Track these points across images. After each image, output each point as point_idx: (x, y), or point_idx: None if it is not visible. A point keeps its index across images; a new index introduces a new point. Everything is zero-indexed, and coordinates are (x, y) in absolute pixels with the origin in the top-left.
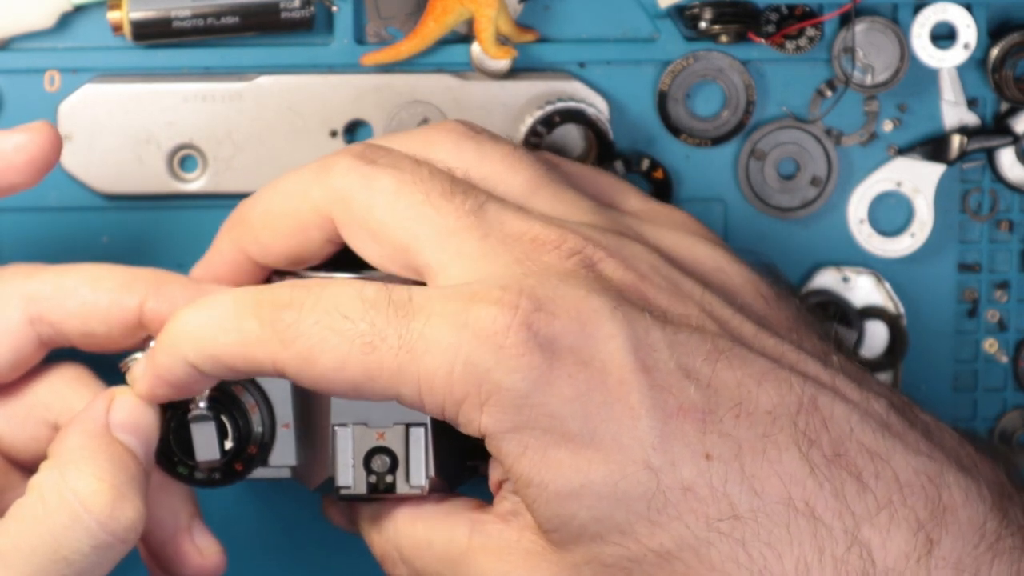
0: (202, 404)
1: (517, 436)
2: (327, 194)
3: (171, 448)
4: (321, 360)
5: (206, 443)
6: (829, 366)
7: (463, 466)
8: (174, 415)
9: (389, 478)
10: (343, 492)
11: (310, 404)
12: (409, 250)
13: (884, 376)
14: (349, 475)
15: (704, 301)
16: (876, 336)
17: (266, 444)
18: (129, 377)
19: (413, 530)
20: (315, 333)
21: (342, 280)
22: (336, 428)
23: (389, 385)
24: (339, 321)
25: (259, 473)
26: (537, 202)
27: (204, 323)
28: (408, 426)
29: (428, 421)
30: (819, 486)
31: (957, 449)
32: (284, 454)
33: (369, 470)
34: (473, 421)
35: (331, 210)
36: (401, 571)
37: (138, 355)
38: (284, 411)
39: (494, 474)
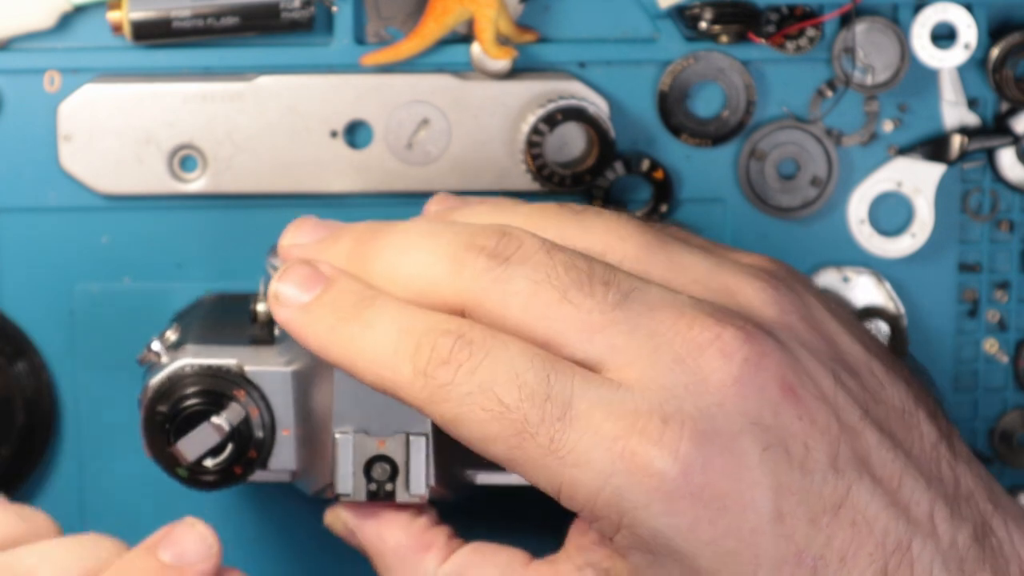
0: (222, 416)
1: (643, 560)
2: (458, 292)
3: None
4: (467, 427)
5: (198, 446)
6: (932, 485)
7: (463, 476)
8: (182, 413)
9: (389, 486)
10: (342, 500)
11: (312, 411)
12: (551, 344)
13: None
14: (349, 483)
15: (837, 404)
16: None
17: (266, 449)
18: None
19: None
20: (466, 403)
21: (503, 353)
22: (337, 435)
23: (528, 472)
24: (492, 402)
25: (259, 477)
26: (654, 267)
27: (365, 347)
28: (409, 435)
29: (429, 431)
30: None
31: None
32: (284, 459)
33: (369, 478)
34: (604, 533)
35: (463, 306)
36: None
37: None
38: (285, 416)
39: (580, 539)
